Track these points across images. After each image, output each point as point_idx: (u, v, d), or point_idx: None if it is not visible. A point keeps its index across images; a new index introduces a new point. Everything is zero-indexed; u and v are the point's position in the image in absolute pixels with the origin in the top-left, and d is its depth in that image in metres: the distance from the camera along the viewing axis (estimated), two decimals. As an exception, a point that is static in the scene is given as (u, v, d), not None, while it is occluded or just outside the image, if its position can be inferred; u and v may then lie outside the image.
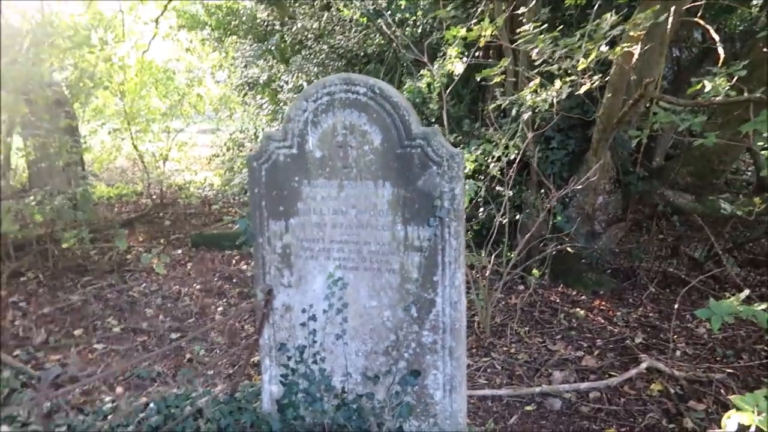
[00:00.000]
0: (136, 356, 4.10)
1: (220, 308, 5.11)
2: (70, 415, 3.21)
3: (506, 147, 4.47)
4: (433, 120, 5.71)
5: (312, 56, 7.48)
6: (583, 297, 4.93)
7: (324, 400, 2.70)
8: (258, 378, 3.48)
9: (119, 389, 3.64)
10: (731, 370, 3.59)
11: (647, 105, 4.65)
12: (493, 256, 4.30)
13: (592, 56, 3.65)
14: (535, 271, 4.77)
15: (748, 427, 1.72)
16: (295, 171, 2.59)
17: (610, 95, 4.53)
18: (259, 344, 2.83)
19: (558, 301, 4.85)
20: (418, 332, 2.51)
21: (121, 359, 4.09)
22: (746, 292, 2.54)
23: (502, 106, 4.40)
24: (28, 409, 3.08)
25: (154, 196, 9.82)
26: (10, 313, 4.90)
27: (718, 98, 3.39)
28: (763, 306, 2.26)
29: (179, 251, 6.88)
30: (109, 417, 3.10)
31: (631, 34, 3.75)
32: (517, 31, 4.05)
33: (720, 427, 1.81)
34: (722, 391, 3.36)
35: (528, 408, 3.29)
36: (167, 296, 5.35)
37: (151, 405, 3.07)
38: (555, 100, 4.04)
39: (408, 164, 2.39)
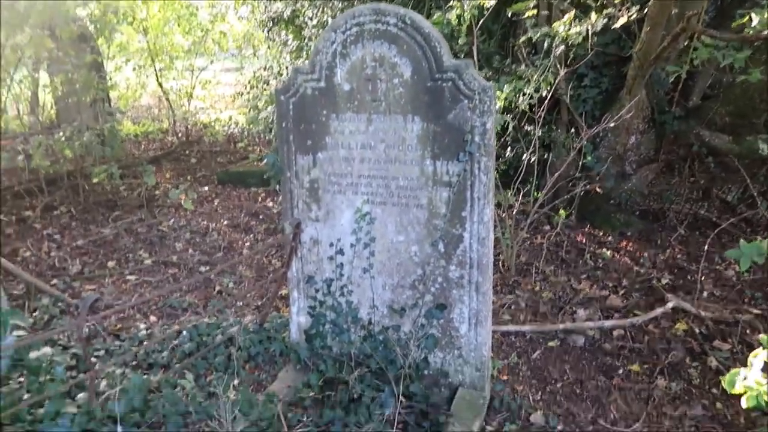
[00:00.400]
0: (168, 287, 4.22)
1: (247, 243, 5.19)
2: (107, 340, 3.35)
3: (537, 83, 4.34)
4: (462, 56, 5.54)
5: (337, -11, 7.24)
6: (610, 238, 4.88)
7: (351, 331, 2.77)
8: (286, 310, 3.56)
9: (153, 318, 3.77)
10: (759, 312, 3.57)
11: (687, 41, 4.44)
12: (520, 195, 4.26)
13: (632, -14, 3.47)
14: (562, 211, 4.72)
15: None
16: (323, 105, 2.56)
17: (648, 29, 4.33)
18: (287, 277, 2.88)
19: (584, 241, 4.81)
20: (444, 267, 2.53)
21: (153, 289, 4.22)
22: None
23: (534, 39, 4.24)
24: (68, 334, 3.22)
25: (180, 134, 9.87)
26: (45, 244, 5.06)
27: (765, 32, 3.22)
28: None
29: (206, 188, 6.96)
30: (144, 343, 3.23)
31: (675, -38, 3.55)
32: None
33: (745, 366, 1.80)
34: (748, 331, 3.34)
35: (551, 344, 3.33)
36: (196, 231, 5.46)
37: (184, 333, 3.19)
38: (590, 34, 3.88)
39: (438, 98, 2.34)
